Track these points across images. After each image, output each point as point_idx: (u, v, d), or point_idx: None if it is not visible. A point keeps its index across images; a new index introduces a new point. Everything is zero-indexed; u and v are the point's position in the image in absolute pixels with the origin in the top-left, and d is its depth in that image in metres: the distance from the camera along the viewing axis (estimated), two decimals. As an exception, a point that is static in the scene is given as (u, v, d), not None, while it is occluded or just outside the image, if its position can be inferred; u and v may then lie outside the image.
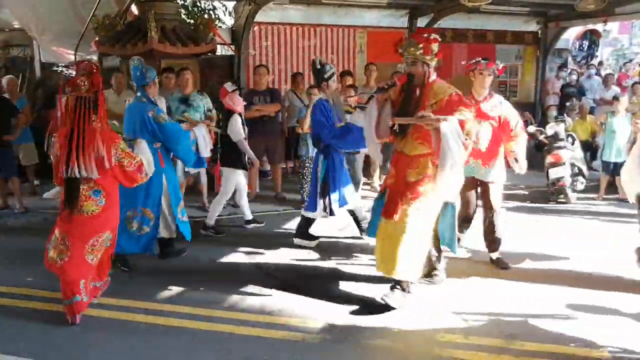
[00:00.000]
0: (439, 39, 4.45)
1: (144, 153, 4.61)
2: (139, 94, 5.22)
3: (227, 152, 6.35)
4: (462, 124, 4.11)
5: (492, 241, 5.39)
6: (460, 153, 4.09)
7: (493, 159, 5.18)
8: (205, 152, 5.72)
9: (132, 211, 5.13)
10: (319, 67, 5.82)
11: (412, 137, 4.38)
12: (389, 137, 4.57)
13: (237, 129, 6.20)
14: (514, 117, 5.18)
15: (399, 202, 4.33)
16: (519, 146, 5.25)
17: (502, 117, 5.10)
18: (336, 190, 5.89)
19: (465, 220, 5.54)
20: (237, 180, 6.45)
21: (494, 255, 5.41)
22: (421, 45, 4.36)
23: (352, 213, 6.20)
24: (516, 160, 5.27)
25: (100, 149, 4.10)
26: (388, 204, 4.45)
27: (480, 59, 5.26)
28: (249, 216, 6.73)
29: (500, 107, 5.15)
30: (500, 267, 5.35)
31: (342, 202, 5.95)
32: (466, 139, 4.16)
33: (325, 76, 5.80)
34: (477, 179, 5.28)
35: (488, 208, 5.33)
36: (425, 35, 4.44)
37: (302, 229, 6.08)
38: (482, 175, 5.23)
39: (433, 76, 4.48)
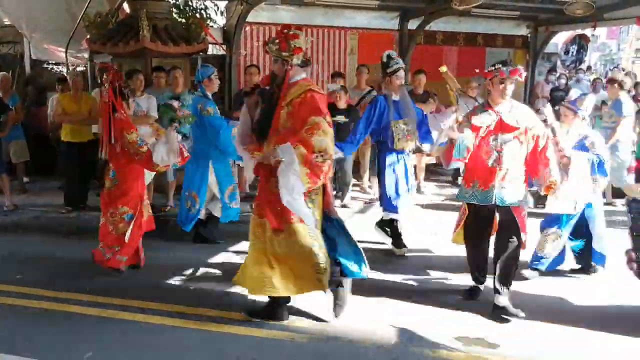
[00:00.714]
0: (300, 34, 3.95)
1: (170, 142, 4.91)
2: (199, 89, 5.92)
3: None
4: (306, 144, 3.74)
5: (506, 276, 4.34)
6: (297, 180, 3.75)
7: (512, 178, 4.30)
8: None
9: (188, 192, 5.93)
10: (384, 60, 5.55)
11: (273, 143, 3.94)
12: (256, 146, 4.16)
13: None
14: (539, 126, 4.34)
15: (277, 215, 3.96)
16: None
17: (528, 129, 4.28)
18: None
19: (478, 273, 4.63)
20: None
21: (500, 299, 4.33)
22: (277, 41, 3.93)
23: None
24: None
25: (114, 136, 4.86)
26: (271, 221, 4.00)
27: (499, 65, 4.35)
28: None
29: (522, 115, 4.36)
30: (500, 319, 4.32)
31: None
32: (320, 157, 3.78)
33: (388, 71, 5.54)
34: (493, 205, 4.35)
35: (508, 238, 4.32)
36: (286, 30, 3.96)
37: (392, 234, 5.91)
38: (497, 198, 4.30)
39: (299, 75, 3.99)
